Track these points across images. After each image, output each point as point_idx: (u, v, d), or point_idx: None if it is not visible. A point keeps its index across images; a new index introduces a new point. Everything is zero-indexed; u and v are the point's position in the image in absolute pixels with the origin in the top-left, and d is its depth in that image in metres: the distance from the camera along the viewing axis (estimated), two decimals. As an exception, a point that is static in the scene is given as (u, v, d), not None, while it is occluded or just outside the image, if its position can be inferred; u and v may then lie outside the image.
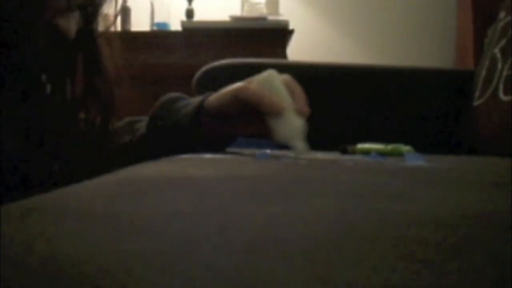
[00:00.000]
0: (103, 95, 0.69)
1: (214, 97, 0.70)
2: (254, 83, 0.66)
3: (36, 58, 0.60)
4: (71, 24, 0.65)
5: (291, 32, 2.03)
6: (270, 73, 0.66)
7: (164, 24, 2.18)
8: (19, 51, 0.58)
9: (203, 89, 1.13)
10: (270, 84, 0.65)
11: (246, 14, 2.14)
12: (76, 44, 0.66)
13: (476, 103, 1.10)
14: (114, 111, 0.71)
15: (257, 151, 0.67)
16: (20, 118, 0.58)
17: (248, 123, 0.68)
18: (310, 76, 1.22)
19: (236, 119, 0.68)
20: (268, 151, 0.67)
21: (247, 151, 0.72)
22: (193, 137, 0.69)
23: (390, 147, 0.71)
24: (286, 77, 0.67)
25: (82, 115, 0.68)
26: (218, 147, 0.72)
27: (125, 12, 2.20)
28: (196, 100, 0.71)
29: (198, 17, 2.20)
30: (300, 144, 0.62)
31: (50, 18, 0.61)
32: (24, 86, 0.59)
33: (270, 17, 2.04)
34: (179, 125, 0.70)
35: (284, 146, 0.64)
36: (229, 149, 0.74)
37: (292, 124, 0.63)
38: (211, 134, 0.70)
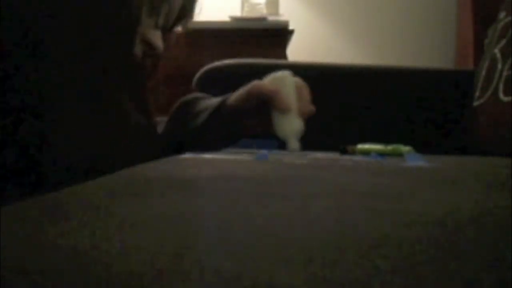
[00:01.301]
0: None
1: (234, 95, 0.75)
2: (268, 80, 0.73)
3: (131, 66, 0.66)
4: (159, 41, 0.72)
5: (291, 32, 2.03)
6: (284, 73, 0.73)
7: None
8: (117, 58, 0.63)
9: (203, 90, 1.14)
10: (283, 83, 0.72)
11: (246, 14, 2.14)
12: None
13: (476, 103, 1.10)
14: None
15: (257, 152, 0.67)
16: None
17: (260, 118, 0.73)
18: (310, 77, 1.22)
19: (250, 114, 0.73)
20: (267, 151, 0.67)
21: (247, 151, 0.72)
22: (213, 134, 0.72)
23: (390, 147, 0.71)
24: (297, 80, 0.74)
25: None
26: (233, 144, 0.75)
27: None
28: (217, 99, 0.75)
29: (198, 17, 2.19)
30: (295, 143, 0.69)
31: (143, 33, 0.68)
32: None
33: (270, 18, 2.04)
34: (199, 124, 0.73)
35: (281, 142, 0.71)
36: (230, 149, 0.74)
37: (293, 123, 0.70)
38: (230, 130, 0.73)
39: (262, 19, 2.02)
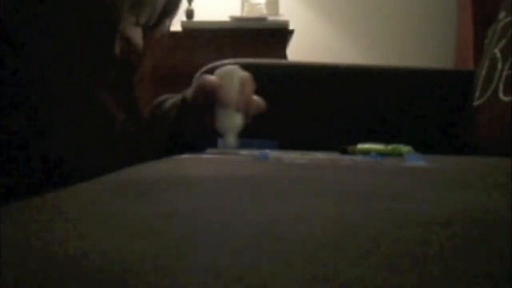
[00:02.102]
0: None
1: (189, 91, 0.75)
2: (216, 74, 0.73)
3: (110, 64, 0.65)
4: (139, 38, 0.72)
5: (291, 32, 2.03)
6: (232, 68, 0.74)
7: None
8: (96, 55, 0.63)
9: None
10: (228, 78, 0.72)
11: (246, 14, 2.14)
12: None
13: (476, 103, 1.10)
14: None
15: (257, 152, 0.67)
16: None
17: (209, 112, 0.73)
18: (310, 76, 1.22)
19: (202, 110, 0.73)
20: (268, 151, 0.67)
21: (247, 151, 0.72)
22: (179, 133, 0.72)
23: (390, 147, 0.71)
24: (244, 74, 0.73)
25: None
26: (201, 140, 0.75)
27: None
28: (177, 98, 0.75)
29: (198, 17, 2.19)
30: (232, 138, 0.70)
31: (123, 30, 0.67)
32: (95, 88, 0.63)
33: (270, 18, 2.04)
34: (168, 126, 0.73)
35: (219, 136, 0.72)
36: (229, 150, 0.74)
37: (232, 118, 0.70)
38: (195, 127, 0.73)
39: (262, 19, 2.02)
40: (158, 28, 0.77)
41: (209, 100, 0.71)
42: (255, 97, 0.73)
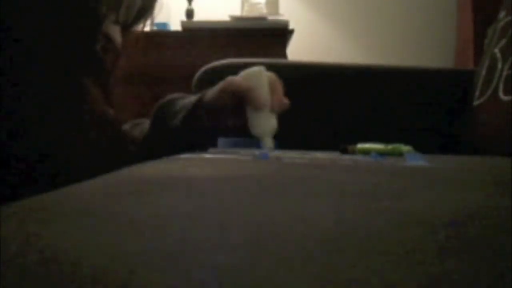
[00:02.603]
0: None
1: (210, 92, 0.74)
2: (242, 76, 0.71)
3: (91, 59, 0.66)
4: (118, 37, 0.72)
5: (291, 32, 2.03)
6: (259, 69, 0.71)
7: (164, 24, 2.17)
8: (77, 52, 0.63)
9: (203, 89, 1.13)
10: (257, 79, 0.70)
11: (246, 14, 2.14)
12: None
13: (476, 103, 1.10)
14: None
15: (257, 151, 0.67)
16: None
17: (235, 115, 0.72)
18: (310, 76, 1.22)
19: (226, 111, 0.72)
20: (266, 151, 0.67)
21: (247, 151, 0.72)
22: (192, 133, 0.72)
23: (390, 147, 0.70)
24: (271, 74, 0.72)
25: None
26: (212, 141, 0.75)
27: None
28: (193, 97, 0.74)
29: (198, 17, 2.19)
30: (269, 141, 0.69)
31: (104, 27, 0.68)
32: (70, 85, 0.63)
33: (270, 17, 2.04)
34: (178, 123, 0.72)
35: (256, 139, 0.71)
36: (225, 149, 0.74)
37: (267, 121, 0.69)
38: (208, 128, 0.72)
39: (262, 19, 2.02)
40: (133, 28, 0.77)
41: (237, 102, 0.69)
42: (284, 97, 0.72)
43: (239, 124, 0.72)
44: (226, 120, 0.73)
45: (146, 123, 0.79)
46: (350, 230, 0.21)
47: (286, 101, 0.72)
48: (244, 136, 0.73)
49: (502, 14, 1.13)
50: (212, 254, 0.17)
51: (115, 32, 0.71)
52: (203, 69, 1.21)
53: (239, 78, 0.71)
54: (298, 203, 0.28)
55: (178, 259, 0.17)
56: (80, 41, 0.63)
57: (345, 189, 0.34)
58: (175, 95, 0.79)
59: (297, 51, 2.19)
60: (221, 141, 0.78)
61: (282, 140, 0.71)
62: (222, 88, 0.71)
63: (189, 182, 0.38)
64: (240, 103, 0.70)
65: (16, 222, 0.23)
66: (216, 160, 0.56)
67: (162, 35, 2.07)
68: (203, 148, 0.73)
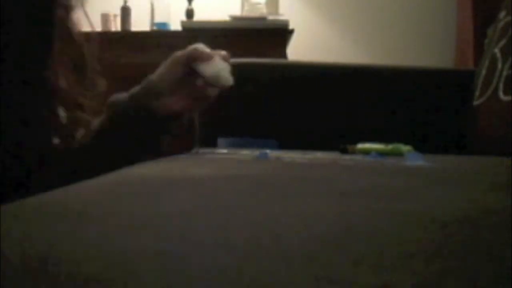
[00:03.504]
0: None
1: (155, 74, 0.73)
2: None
3: (46, 49, 0.62)
4: (77, 28, 0.69)
5: (291, 32, 2.03)
6: (198, 44, 0.74)
7: (164, 24, 2.17)
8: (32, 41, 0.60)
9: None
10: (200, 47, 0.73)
11: (246, 14, 2.14)
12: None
13: (476, 103, 1.10)
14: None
15: (257, 151, 0.67)
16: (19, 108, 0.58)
17: (186, 90, 0.71)
18: (310, 76, 1.22)
19: (178, 87, 0.72)
20: (268, 151, 0.67)
21: (247, 151, 0.72)
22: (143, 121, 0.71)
23: (390, 147, 0.70)
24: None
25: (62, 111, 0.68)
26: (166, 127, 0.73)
27: (125, 12, 2.20)
28: (138, 87, 0.74)
29: (198, 17, 2.19)
30: (227, 76, 0.71)
31: (62, 15, 0.65)
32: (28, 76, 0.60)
33: (270, 17, 2.04)
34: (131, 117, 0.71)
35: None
36: (229, 150, 0.74)
37: (219, 64, 0.71)
38: (162, 112, 0.71)
39: (262, 19, 2.02)
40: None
41: (187, 69, 0.71)
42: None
43: (187, 105, 0.72)
44: (176, 103, 0.72)
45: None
46: (350, 229, 0.21)
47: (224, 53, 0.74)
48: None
49: (502, 14, 1.13)
50: (212, 254, 0.17)
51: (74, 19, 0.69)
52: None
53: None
54: (299, 203, 0.28)
55: (179, 258, 0.17)
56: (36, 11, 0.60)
57: (345, 188, 0.34)
58: (114, 96, 0.78)
59: (297, 51, 2.19)
60: (221, 141, 0.77)
61: (283, 140, 0.71)
62: (171, 60, 0.72)
63: (189, 182, 0.38)
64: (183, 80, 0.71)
65: (16, 222, 0.23)
66: (216, 160, 0.56)
67: (162, 35, 2.07)
68: (155, 135, 0.72)
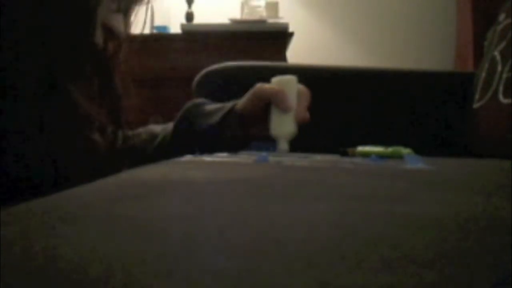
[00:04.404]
0: (114, 102, 0.71)
1: (241, 101, 0.75)
2: (274, 81, 0.74)
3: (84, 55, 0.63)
4: (121, 26, 0.69)
5: (290, 35, 2.03)
6: (292, 77, 0.74)
7: (164, 27, 2.18)
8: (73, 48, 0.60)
9: (203, 92, 1.13)
10: (288, 86, 0.73)
11: (246, 17, 2.14)
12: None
13: (476, 105, 1.10)
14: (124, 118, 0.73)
15: (257, 154, 0.67)
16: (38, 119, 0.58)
17: (263, 122, 0.73)
18: (309, 79, 1.22)
19: (255, 119, 0.73)
20: (266, 154, 0.67)
21: (247, 154, 0.72)
22: (220, 140, 0.72)
23: (390, 149, 0.70)
24: (302, 86, 0.75)
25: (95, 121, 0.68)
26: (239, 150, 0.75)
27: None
28: (227, 105, 0.74)
29: (198, 20, 2.20)
30: (285, 144, 0.71)
31: (104, 19, 0.65)
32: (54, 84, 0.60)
33: (270, 20, 2.04)
34: (209, 129, 0.72)
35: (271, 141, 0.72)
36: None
37: (289, 125, 0.71)
38: (239, 136, 0.72)
39: (262, 22, 2.02)
40: (132, 13, 0.75)
41: (265, 107, 0.71)
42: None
43: (265, 131, 0.73)
44: (254, 128, 0.74)
45: (168, 128, 0.79)
46: (349, 233, 0.21)
47: (307, 115, 0.73)
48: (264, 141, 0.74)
49: (501, 17, 1.14)
50: (212, 258, 0.17)
51: (118, 22, 0.68)
52: (203, 72, 1.21)
53: (269, 84, 0.73)
54: (298, 206, 0.28)
55: (178, 262, 0.17)
56: (70, 35, 0.59)
57: (345, 192, 0.34)
58: (199, 100, 0.80)
59: (297, 54, 2.19)
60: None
61: (274, 139, 0.72)
62: (253, 93, 0.73)
63: (189, 185, 0.38)
64: (267, 108, 0.72)
65: (17, 225, 0.23)
66: (216, 163, 0.56)
67: (162, 38, 2.07)
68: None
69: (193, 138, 0.75)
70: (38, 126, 0.57)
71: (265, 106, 0.72)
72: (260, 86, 0.73)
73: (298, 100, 0.73)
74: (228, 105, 0.76)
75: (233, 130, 0.73)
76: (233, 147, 0.73)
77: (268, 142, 0.72)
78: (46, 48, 0.57)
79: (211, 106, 0.78)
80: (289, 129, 0.71)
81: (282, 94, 0.71)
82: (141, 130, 0.83)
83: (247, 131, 0.74)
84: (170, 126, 0.80)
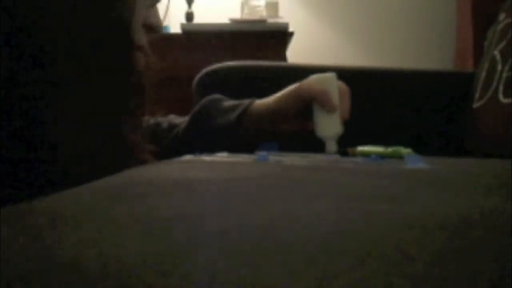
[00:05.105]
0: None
1: (274, 97, 0.74)
2: (314, 80, 0.72)
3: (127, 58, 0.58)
4: (159, 19, 0.67)
5: (291, 34, 2.03)
6: (332, 75, 0.73)
7: (164, 27, 2.18)
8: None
9: (203, 92, 1.13)
10: (329, 84, 0.72)
11: (246, 16, 2.14)
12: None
13: (476, 105, 1.10)
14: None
15: (257, 154, 0.67)
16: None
17: (296, 119, 0.73)
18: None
19: (287, 115, 0.72)
20: (266, 153, 0.67)
21: (247, 153, 0.72)
22: (235, 138, 0.71)
23: (390, 149, 0.70)
24: (342, 83, 0.74)
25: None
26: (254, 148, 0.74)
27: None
28: (244, 103, 0.74)
29: (198, 20, 2.19)
30: (333, 145, 0.70)
31: (144, 16, 0.61)
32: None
33: (270, 20, 2.04)
34: (226, 126, 0.71)
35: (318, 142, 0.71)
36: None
37: (336, 125, 0.71)
38: (254, 135, 0.72)
39: (262, 21, 2.02)
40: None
41: (303, 106, 0.70)
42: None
43: (297, 129, 0.72)
44: (285, 124, 0.73)
45: (182, 124, 0.78)
46: (350, 232, 0.21)
47: (348, 113, 0.73)
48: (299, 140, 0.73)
49: (501, 16, 1.13)
50: (212, 257, 0.17)
51: (156, 16, 0.67)
52: (203, 71, 1.21)
53: (310, 82, 0.71)
54: (298, 206, 0.28)
55: (178, 262, 0.17)
56: (116, 66, 0.56)
57: (345, 191, 0.34)
58: (216, 96, 0.79)
59: (297, 53, 2.19)
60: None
61: (282, 142, 0.71)
62: (294, 91, 0.72)
63: (189, 184, 0.38)
64: (306, 107, 0.70)
65: (17, 224, 0.23)
66: (217, 163, 0.56)
67: (162, 38, 2.07)
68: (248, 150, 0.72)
69: (209, 134, 0.74)
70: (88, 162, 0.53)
71: (305, 105, 0.71)
72: (302, 85, 0.71)
73: (340, 98, 0.72)
74: (245, 102, 0.75)
75: (247, 127, 0.72)
76: (248, 144, 0.72)
77: (274, 144, 0.72)
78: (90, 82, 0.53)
79: (228, 103, 0.77)
80: (336, 130, 0.71)
81: (326, 94, 0.70)
82: (161, 119, 0.82)
83: (278, 127, 0.73)
84: (187, 119, 0.79)
